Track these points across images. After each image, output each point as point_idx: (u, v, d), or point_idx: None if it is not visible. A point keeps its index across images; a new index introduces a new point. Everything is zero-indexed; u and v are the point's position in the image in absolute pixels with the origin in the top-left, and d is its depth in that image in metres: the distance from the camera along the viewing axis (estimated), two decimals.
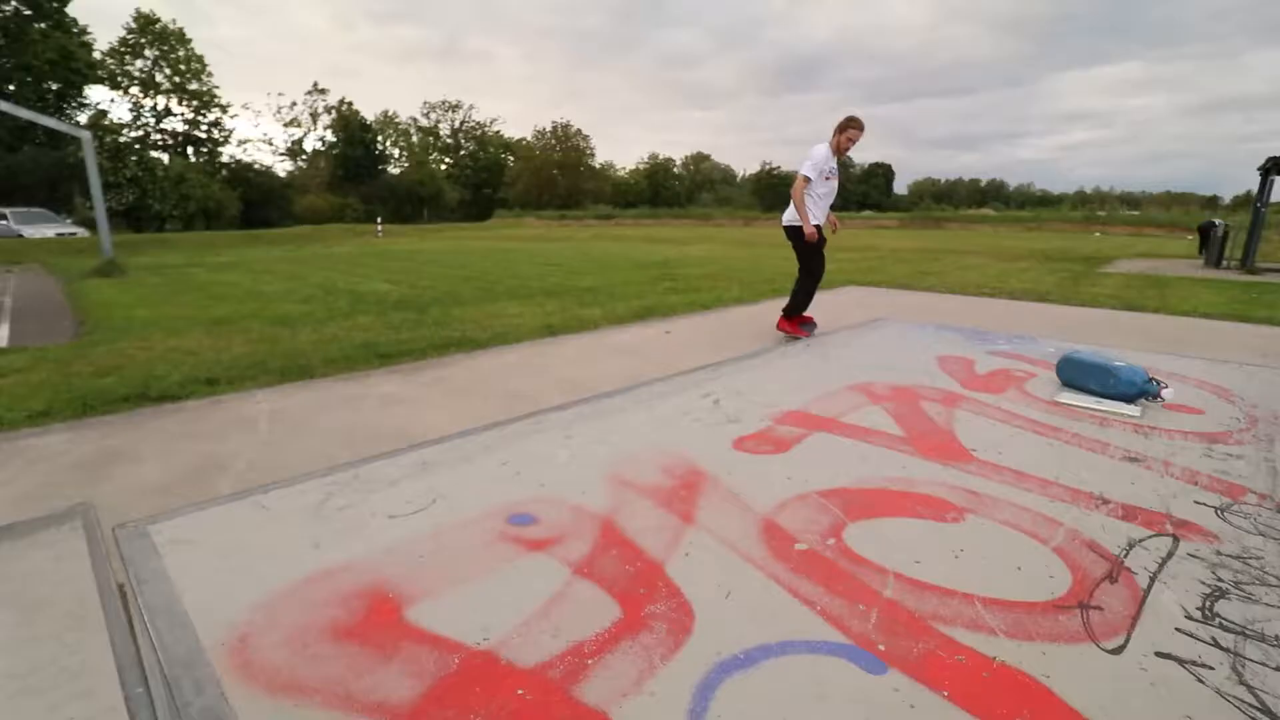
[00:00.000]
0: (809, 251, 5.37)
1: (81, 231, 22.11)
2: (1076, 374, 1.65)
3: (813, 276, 5.47)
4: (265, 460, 3.03)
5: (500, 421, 1.30)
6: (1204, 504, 1.04)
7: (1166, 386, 1.56)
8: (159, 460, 3.03)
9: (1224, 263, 13.82)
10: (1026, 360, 1.89)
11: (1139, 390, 1.53)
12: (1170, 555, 0.87)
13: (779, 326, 5.59)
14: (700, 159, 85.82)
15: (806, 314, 5.65)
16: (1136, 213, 47.59)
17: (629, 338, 5.98)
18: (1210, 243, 14.62)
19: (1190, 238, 22.01)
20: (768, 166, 77.55)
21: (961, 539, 0.93)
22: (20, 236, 19.87)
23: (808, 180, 5.15)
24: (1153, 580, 0.81)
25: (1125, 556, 0.87)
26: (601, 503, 0.97)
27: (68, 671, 1.37)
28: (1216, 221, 17.97)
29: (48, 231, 20.61)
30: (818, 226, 5.30)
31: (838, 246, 20.00)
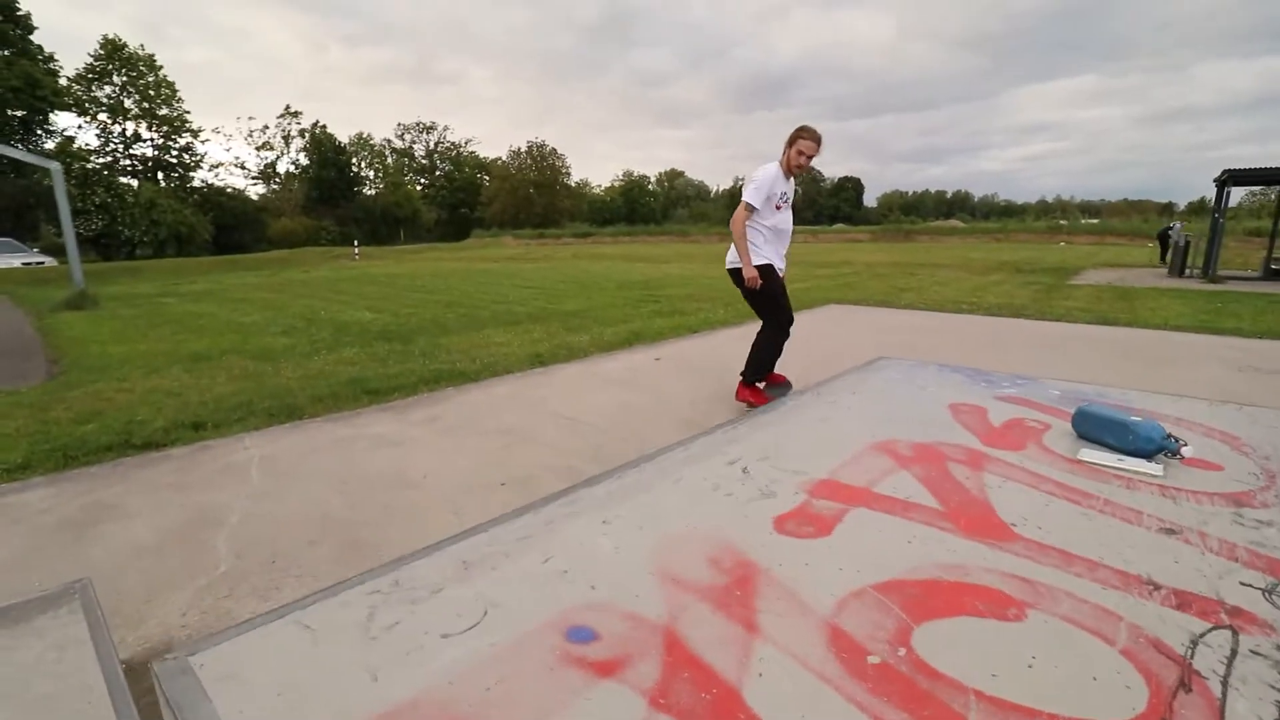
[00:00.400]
0: (762, 300, 4.21)
1: (49, 260, 21.59)
2: (1092, 428, 1.67)
3: (779, 330, 4.28)
4: (259, 513, 2.96)
5: (534, 504, 1.26)
6: (1250, 585, 1.05)
7: (1185, 444, 1.59)
8: (149, 516, 2.93)
9: (1187, 271, 14.30)
10: (1036, 407, 1.91)
11: (1157, 446, 1.56)
12: (1234, 654, 0.87)
13: (738, 396, 4.33)
14: (674, 175, 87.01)
15: (777, 373, 4.48)
16: (1096, 221, 49.32)
17: (619, 366, 5.97)
18: (1173, 251, 15.15)
19: (1151, 245, 22.78)
20: (739, 182, 78.86)
21: (1029, 643, 0.91)
22: None
23: (751, 209, 4.04)
24: (1225, 687, 0.80)
25: (1192, 657, 0.87)
26: (658, 609, 0.94)
27: None
28: (1173, 225, 18.66)
29: (14, 261, 20.07)
30: (766, 268, 4.13)
31: (815, 263, 20.28)
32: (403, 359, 6.20)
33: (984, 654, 0.85)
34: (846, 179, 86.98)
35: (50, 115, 34.73)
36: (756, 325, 4.49)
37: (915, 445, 1.54)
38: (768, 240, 4.20)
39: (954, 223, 56.02)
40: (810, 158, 4.04)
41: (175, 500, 3.10)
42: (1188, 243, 14.67)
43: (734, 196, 74.12)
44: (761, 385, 4.43)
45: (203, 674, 0.79)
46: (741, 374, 4.42)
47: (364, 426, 4.24)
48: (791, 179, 4.21)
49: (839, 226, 56.99)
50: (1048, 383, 2.13)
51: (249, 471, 3.47)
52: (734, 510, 1.23)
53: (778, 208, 4.15)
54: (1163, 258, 17.99)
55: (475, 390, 5.15)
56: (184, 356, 6.37)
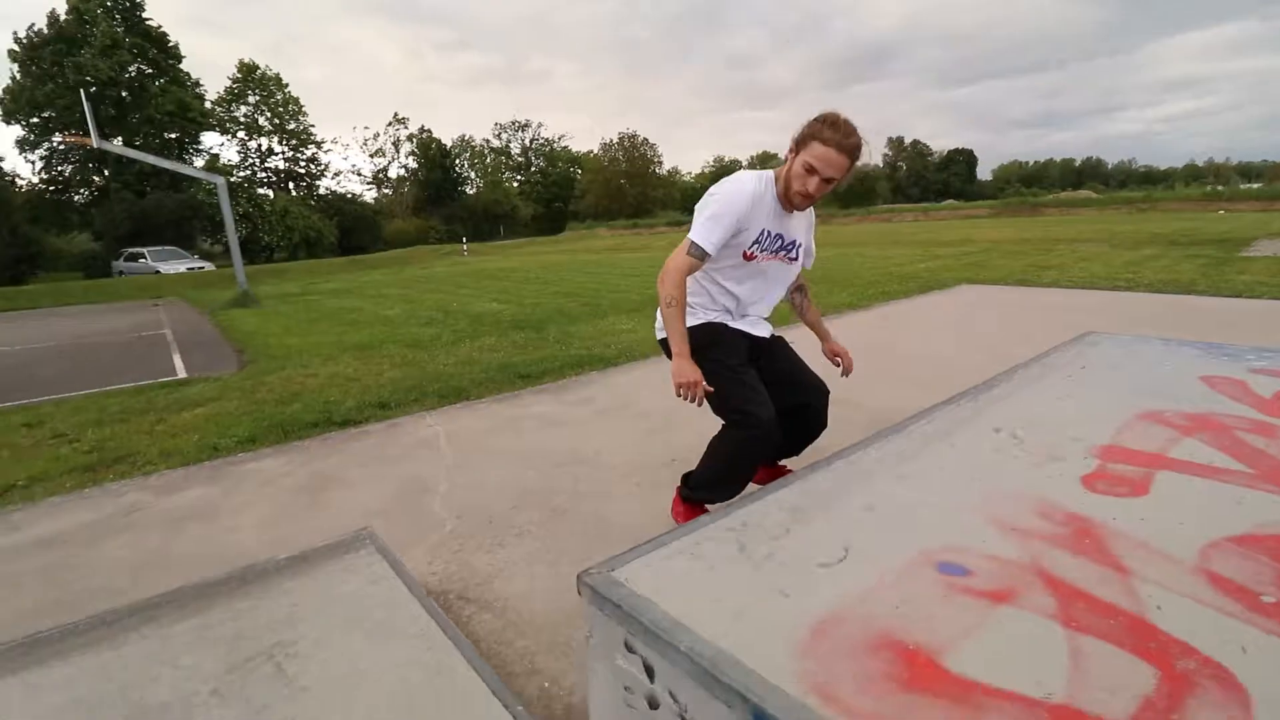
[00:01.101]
0: (712, 392, 2.16)
1: (208, 265, 24.27)
2: None
3: (743, 432, 2.21)
4: (462, 482, 3.24)
5: (801, 472, 1.32)
6: None
7: None
8: (367, 485, 3.29)
9: None
10: None
11: None
12: None
13: (673, 510, 2.60)
14: (766, 158, 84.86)
15: (787, 467, 2.74)
16: (1260, 185, 43.52)
17: None
18: None
19: None
20: None
21: None
22: (158, 273, 22.03)
23: (700, 255, 2.15)
24: None
25: None
26: (1014, 551, 0.97)
27: (449, 696, 1.49)
28: None
29: (180, 267, 22.73)
30: (709, 332, 2.31)
31: (932, 241, 19.17)
32: (539, 346, 6.51)
33: None
34: (957, 151, 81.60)
35: (199, 136, 38.90)
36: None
37: (1188, 415, 1.46)
38: (721, 309, 2.36)
39: (1086, 193, 51.11)
40: (826, 180, 2.02)
41: (385, 471, 3.45)
42: None
43: None
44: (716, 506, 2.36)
45: (631, 585, 0.91)
46: (684, 478, 2.57)
47: (526, 407, 4.51)
48: (794, 213, 2.23)
49: (950, 203, 53.65)
50: None
51: (439, 445, 3.80)
52: (1031, 470, 1.23)
53: (748, 257, 2.24)
54: None
55: (617, 374, 5.34)
56: (350, 346, 7.01)
